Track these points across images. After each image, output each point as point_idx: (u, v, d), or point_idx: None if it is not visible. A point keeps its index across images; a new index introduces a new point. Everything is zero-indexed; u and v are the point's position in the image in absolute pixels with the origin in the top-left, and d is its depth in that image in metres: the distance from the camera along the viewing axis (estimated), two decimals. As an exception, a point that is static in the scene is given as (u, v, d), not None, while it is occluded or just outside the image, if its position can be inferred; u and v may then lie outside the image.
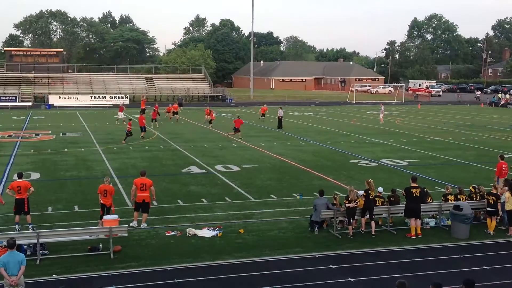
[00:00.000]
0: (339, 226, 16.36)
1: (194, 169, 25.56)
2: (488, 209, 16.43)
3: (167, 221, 17.03)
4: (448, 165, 27.16)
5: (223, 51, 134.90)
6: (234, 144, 33.97)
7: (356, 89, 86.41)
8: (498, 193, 16.57)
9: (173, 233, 15.78)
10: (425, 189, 17.23)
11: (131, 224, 16.20)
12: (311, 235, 15.86)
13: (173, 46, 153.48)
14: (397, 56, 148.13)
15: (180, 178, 23.51)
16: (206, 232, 15.76)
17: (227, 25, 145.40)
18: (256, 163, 27.39)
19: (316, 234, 15.93)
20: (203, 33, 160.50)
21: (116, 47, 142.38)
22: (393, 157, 29.36)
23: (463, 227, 15.71)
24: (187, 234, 15.63)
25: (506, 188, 16.45)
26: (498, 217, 16.49)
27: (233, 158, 28.66)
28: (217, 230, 15.96)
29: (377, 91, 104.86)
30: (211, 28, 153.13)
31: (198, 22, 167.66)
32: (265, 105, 54.33)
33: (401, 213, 16.53)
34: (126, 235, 14.68)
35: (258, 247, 14.72)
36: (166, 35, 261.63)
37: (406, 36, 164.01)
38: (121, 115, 46.13)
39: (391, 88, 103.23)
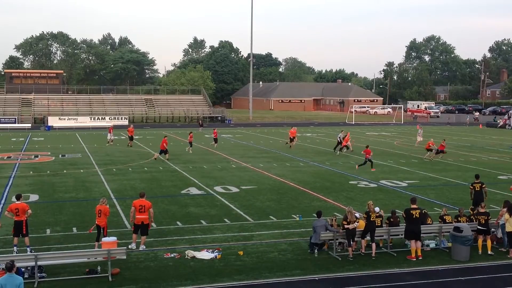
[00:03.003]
0: (339, 248, 16.28)
1: (193, 191, 25.50)
2: (479, 227, 16.39)
3: (166, 243, 16.93)
4: (448, 186, 27.12)
5: (222, 72, 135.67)
6: (233, 165, 33.95)
7: (354, 110, 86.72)
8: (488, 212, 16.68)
9: (172, 255, 15.69)
10: (424, 211, 17.17)
11: (129, 246, 16.12)
12: (311, 257, 15.78)
13: (172, 68, 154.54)
14: (395, 77, 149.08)
15: (179, 200, 23.45)
16: (205, 254, 15.67)
17: (226, 47, 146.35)
18: (256, 184, 27.35)
19: (316, 256, 15.84)
20: (202, 54, 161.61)
21: (116, 68, 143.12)
22: (393, 178, 29.33)
23: (463, 249, 15.64)
24: (186, 256, 15.53)
25: (505, 209, 16.41)
26: (490, 237, 16.46)
27: (232, 179, 28.62)
28: (216, 252, 15.87)
29: (376, 112, 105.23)
30: (210, 49, 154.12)
31: (197, 44, 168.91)
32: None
33: (401, 234, 16.47)
34: (125, 257, 14.60)
35: (258, 269, 14.62)
36: (166, 56, 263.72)
37: (404, 58, 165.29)
38: (110, 136, 46.20)
39: (389, 109, 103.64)
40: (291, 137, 43.97)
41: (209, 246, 16.50)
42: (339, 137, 41.35)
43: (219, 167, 33.28)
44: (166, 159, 35.67)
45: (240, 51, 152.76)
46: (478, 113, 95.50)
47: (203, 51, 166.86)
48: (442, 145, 36.94)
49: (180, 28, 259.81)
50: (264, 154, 39.82)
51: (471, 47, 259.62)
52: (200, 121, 68.71)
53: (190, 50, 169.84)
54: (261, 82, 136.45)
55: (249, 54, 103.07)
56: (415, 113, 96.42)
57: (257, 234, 18.12)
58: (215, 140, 43.82)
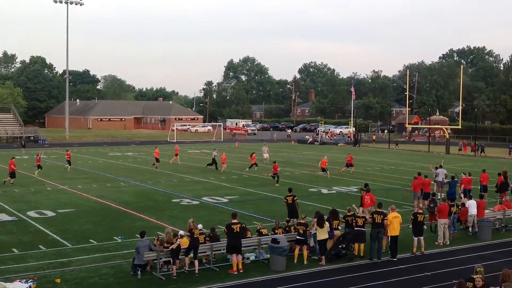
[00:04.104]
0: (164, 268, 16.18)
1: (3, 217, 23.47)
2: (298, 238, 17.51)
3: (-29, 277, 15.34)
4: (265, 200, 28.53)
5: (34, 89, 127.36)
6: (49, 188, 32.01)
7: (176, 128, 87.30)
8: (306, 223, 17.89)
9: (-21, 290, 14.23)
10: (243, 225, 17.80)
11: None
12: (133, 279, 15.45)
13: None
14: (214, 96, 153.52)
15: (-13, 228, 21.41)
16: (18, 285, 14.45)
17: (39, 62, 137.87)
18: (74, 207, 26.07)
19: (139, 277, 15.56)
20: (12, 70, 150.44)
21: None
22: (214, 194, 30.03)
23: (280, 259, 16.53)
24: (-4, 290, 14.21)
25: (316, 219, 17.73)
26: (306, 246, 17.65)
27: (47, 203, 26.94)
28: (31, 281, 14.73)
29: (197, 130, 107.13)
30: (20, 65, 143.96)
31: (7, 58, 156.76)
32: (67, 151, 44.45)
33: (223, 249, 16.90)
34: None
35: (77, 297, 13.92)
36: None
37: (222, 77, 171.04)
38: None
39: (210, 127, 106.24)
40: (157, 157, 42.78)
41: (22, 276, 15.27)
42: (214, 156, 41.78)
43: (33, 190, 31.13)
44: (11, 183, 32.85)
45: (55, 67, 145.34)
46: (290, 130, 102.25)
47: (13, 66, 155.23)
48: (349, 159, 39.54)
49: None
50: (82, 175, 38.14)
51: (283, 68, 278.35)
52: (23, 142, 63.51)
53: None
54: (78, 100, 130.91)
55: (64, 71, 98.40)
56: (234, 131, 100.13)
57: (76, 260, 17.25)
58: (69, 162, 40.61)
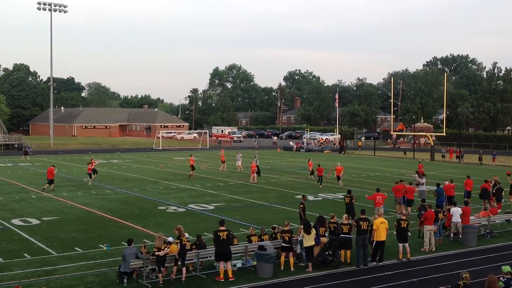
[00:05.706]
0: (153, 276, 16.09)
1: (-13, 225, 23.23)
2: (283, 245, 17.51)
3: (-46, 286, 15.13)
4: (252, 207, 28.51)
5: (18, 97, 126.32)
6: (33, 196, 31.71)
7: (161, 136, 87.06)
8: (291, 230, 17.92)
9: (-38, 299, 14.08)
10: (230, 232, 17.75)
11: None
12: (119, 287, 15.34)
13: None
14: (200, 103, 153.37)
15: (-30, 236, 21.15)
16: (2, 295, 14.33)
17: (22, 70, 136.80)
18: (59, 214, 25.85)
19: (125, 285, 15.45)
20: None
21: None
22: (200, 201, 29.96)
23: (267, 267, 16.51)
24: (-21, 299, 14.05)
25: (302, 226, 17.76)
26: (292, 253, 17.63)
27: (32, 211, 26.69)
28: (15, 291, 14.62)
29: (183, 137, 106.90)
30: (3, 72, 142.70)
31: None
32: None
33: (210, 257, 16.84)
34: None
35: (63, 306, 13.78)
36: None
37: (208, 84, 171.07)
38: None
39: (195, 134, 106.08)
40: (193, 165, 42.22)
41: (7, 285, 15.13)
42: (258, 163, 41.17)
43: (17, 198, 30.83)
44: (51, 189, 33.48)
45: (39, 75, 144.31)
46: (276, 137, 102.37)
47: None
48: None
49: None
50: (67, 183, 37.84)
51: (268, 76, 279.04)
52: (25, 148, 62.75)
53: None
54: (62, 108, 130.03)
55: (48, 78, 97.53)
56: (220, 138, 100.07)
57: (61, 268, 17.09)
58: (94, 171, 39.32)
